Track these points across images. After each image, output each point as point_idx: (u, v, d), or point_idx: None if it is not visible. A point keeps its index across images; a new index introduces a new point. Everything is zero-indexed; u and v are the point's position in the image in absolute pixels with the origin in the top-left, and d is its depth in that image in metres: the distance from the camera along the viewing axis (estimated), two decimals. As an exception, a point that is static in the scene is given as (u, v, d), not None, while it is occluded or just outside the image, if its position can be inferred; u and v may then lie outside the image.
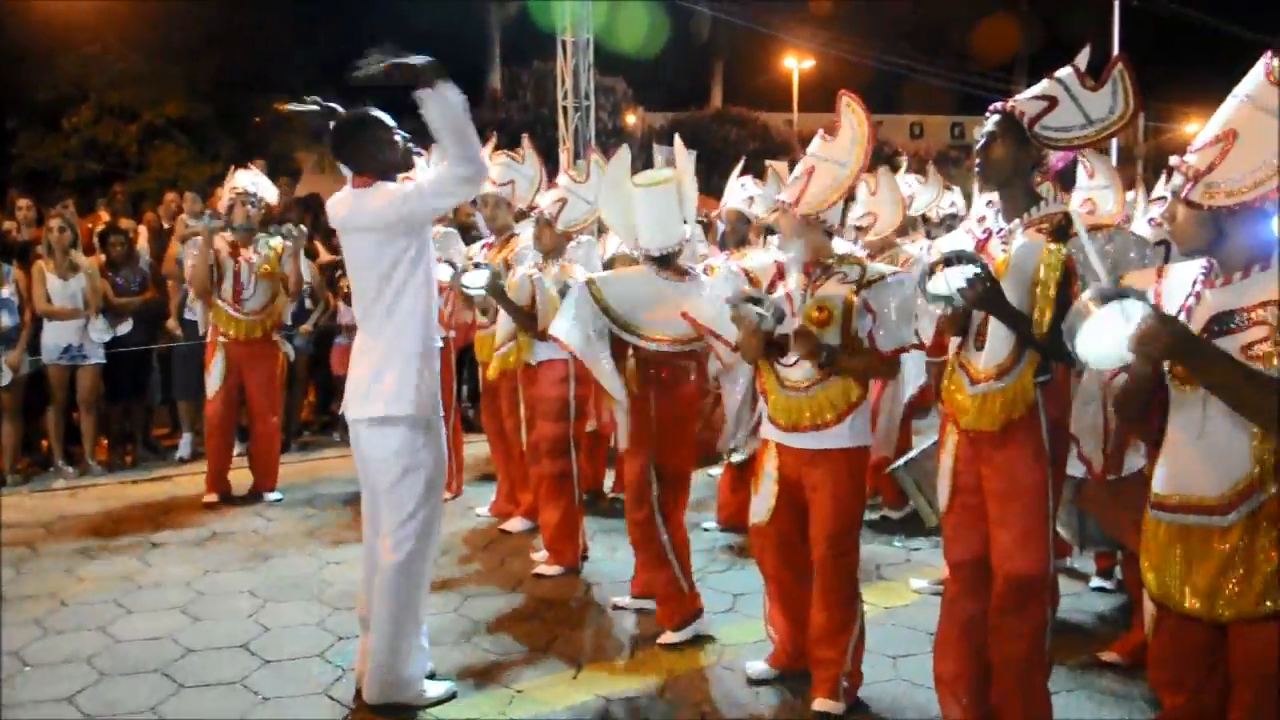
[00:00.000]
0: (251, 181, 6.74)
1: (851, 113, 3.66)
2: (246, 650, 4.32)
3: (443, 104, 3.40)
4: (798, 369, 3.62)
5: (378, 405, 3.68)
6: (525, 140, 6.00)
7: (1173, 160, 2.55)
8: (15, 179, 15.60)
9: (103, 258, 7.65)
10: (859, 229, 5.98)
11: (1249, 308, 2.29)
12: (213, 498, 6.59)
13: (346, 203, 3.71)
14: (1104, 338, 2.26)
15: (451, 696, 3.85)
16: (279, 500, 6.69)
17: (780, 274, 3.80)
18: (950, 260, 3.03)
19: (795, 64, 29.77)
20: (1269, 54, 2.34)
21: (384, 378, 3.66)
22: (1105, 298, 2.24)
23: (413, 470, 3.71)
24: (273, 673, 4.11)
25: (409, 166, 3.79)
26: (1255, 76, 2.36)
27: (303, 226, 7.09)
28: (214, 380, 6.57)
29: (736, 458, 5.33)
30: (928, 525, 4.38)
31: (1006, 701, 3.24)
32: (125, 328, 7.54)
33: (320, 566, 5.36)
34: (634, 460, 4.27)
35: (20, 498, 6.86)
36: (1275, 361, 2.21)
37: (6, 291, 7.09)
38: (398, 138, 3.75)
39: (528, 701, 3.84)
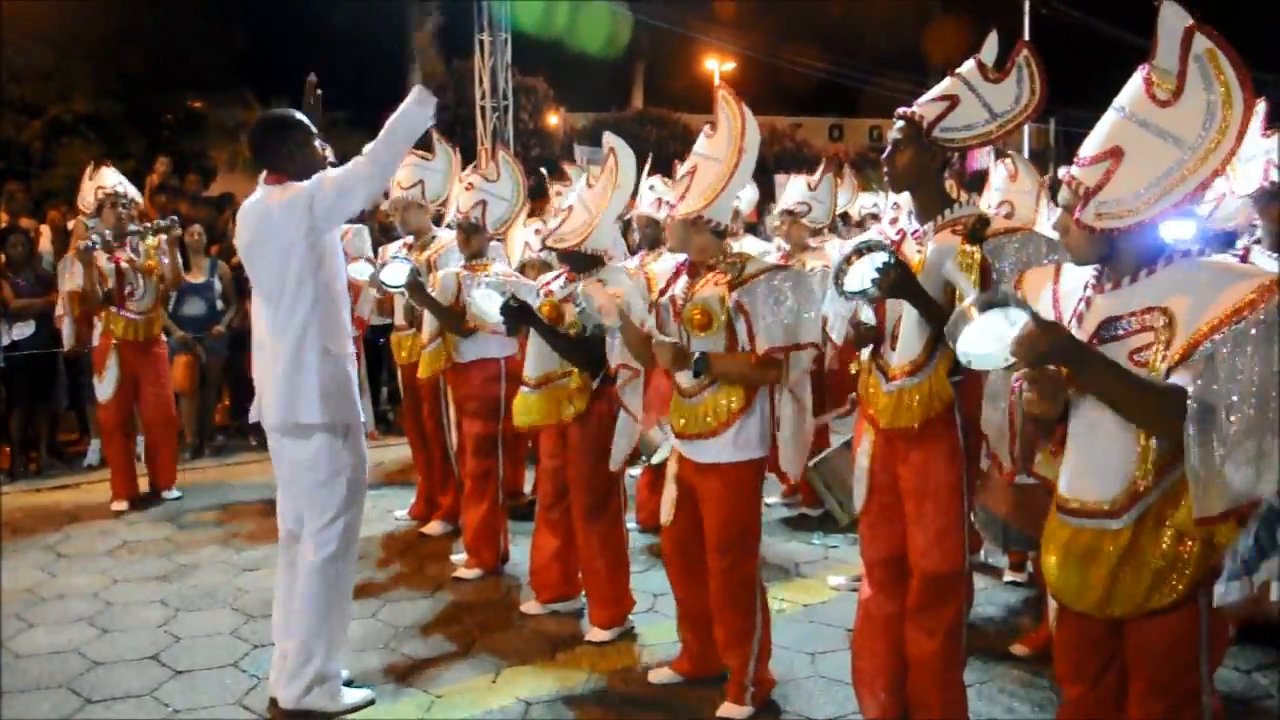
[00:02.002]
0: (118, 181, 6.57)
1: (727, 107, 3.58)
2: (157, 661, 4.21)
3: (419, 105, 3.52)
4: (687, 375, 3.59)
5: (292, 412, 3.64)
6: (434, 134, 5.95)
7: (1062, 173, 2.58)
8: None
9: (2, 258, 7.40)
10: (790, 219, 6.04)
11: (1135, 313, 2.32)
12: (122, 505, 6.43)
13: (256, 206, 3.66)
14: (986, 340, 2.29)
15: (370, 702, 3.80)
16: (179, 498, 6.62)
17: (676, 276, 3.77)
18: (861, 251, 3.07)
19: (716, 65, 29.97)
20: (1145, 66, 2.34)
21: (295, 384, 3.62)
22: (987, 305, 2.28)
23: (335, 474, 3.68)
24: (185, 684, 4.01)
25: (322, 169, 3.72)
26: (1135, 90, 2.35)
27: (174, 217, 6.93)
28: (107, 385, 6.45)
29: (655, 458, 5.34)
30: (840, 524, 4.44)
31: (923, 696, 3.28)
32: (25, 330, 7.31)
33: (234, 574, 5.25)
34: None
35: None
36: (1160, 366, 2.24)
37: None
38: (317, 143, 3.73)
39: (447, 706, 3.80)
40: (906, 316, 3.13)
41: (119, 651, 4.32)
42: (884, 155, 3.23)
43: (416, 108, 3.53)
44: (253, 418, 3.90)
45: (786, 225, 6.20)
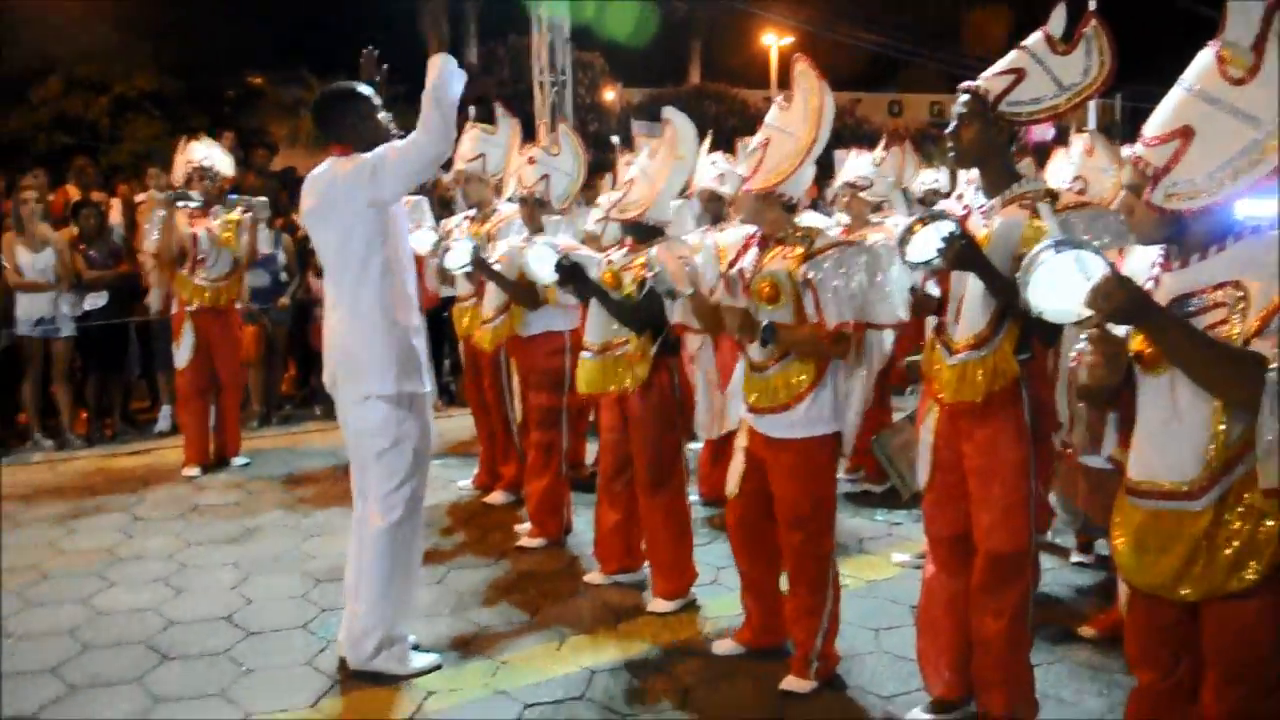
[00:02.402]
0: (205, 154, 6.71)
1: (806, 80, 3.55)
2: (230, 622, 4.32)
3: (434, 73, 3.51)
4: (756, 347, 3.59)
5: (359, 384, 3.70)
6: (499, 107, 5.98)
7: (1126, 153, 2.52)
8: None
9: (75, 231, 7.57)
10: (851, 193, 5.99)
11: (1207, 290, 2.27)
12: (193, 470, 6.59)
13: (321, 178, 3.71)
14: (1058, 290, 2.26)
15: (436, 667, 3.87)
16: (247, 464, 6.77)
17: (745, 249, 3.77)
18: (925, 221, 3.04)
19: (774, 40, 29.69)
20: (1215, 42, 2.28)
21: (361, 356, 3.69)
22: (1061, 246, 2.24)
23: (400, 442, 3.73)
24: (256, 644, 4.11)
25: (388, 143, 3.75)
26: (1204, 67, 2.29)
27: (264, 198, 7.07)
28: (184, 352, 6.59)
29: (715, 431, 5.36)
30: (904, 498, 4.42)
31: (989, 676, 3.27)
32: (99, 301, 7.48)
33: (302, 539, 5.35)
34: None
35: (-3, 471, 6.81)
36: (1237, 340, 2.19)
37: (-26, 264, 7.02)
38: (381, 115, 3.77)
39: (513, 672, 3.86)
40: (971, 289, 3.10)
41: (194, 611, 4.43)
42: (948, 130, 3.19)
43: (442, 72, 3.53)
44: (326, 385, 3.96)
45: (848, 199, 6.16)
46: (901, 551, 4.99)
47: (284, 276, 7.96)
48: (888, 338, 3.67)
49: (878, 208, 6.26)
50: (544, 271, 4.54)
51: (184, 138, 6.97)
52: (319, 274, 7.47)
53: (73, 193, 8.87)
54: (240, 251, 6.75)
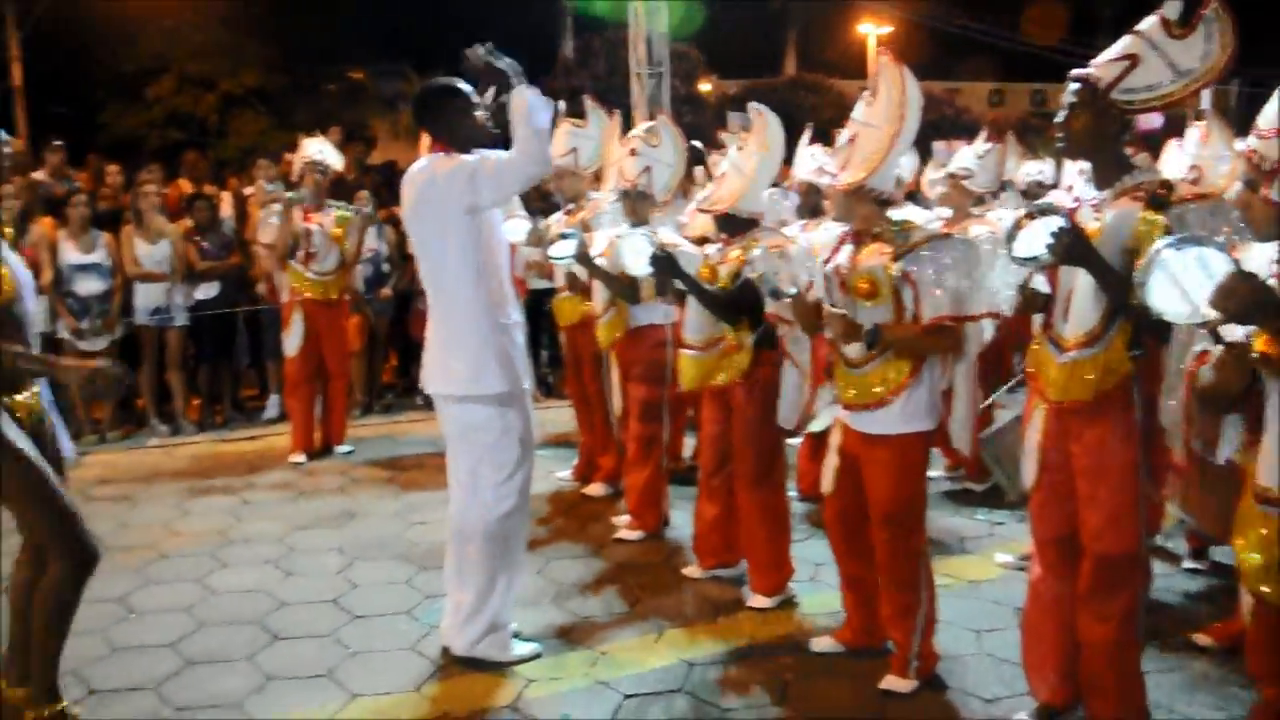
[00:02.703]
0: (319, 150, 6.90)
1: (888, 72, 3.50)
2: (336, 605, 4.43)
3: (521, 104, 3.58)
4: (855, 346, 3.56)
5: (457, 385, 3.75)
6: (587, 100, 6.01)
7: (1239, 145, 2.42)
8: (102, 147, 16.08)
9: (189, 223, 7.84)
10: (953, 185, 5.89)
11: None
12: (300, 457, 6.78)
13: (421, 174, 3.75)
14: (1179, 289, 2.19)
15: (537, 656, 3.92)
16: (350, 452, 6.94)
17: (839, 245, 3.72)
18: (1034, 215, 2.96)
19: (872, 30, 29.27)
20: None
21: (459, 357, 3.73)
22: (1182, 243, 2.17)
23: (505, 434, 3.79)
24: (362, 627, 4.22)
25: (485, 141, 3.80)
26: None
27: (369, 210, 7.34)
28: (293, 341, 6.78)
29: (815, 426, 5.31)
30: (1011, 499, 4.34)
31: (1097, 682, 3.18)
32: (211, 291, 7.73)
33: (405, 527, 5.47)
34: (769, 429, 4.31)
35: (118, 454, 7.10)
36: None
37: (97, 256, 7.30)
38: (479, 112, 3.80)
39: (612, 663, 3.89)
40: (1082, 285, 3.01)
41: (301, 594, 4.56)
42: (1057, 120, 3.11)
43: (527, 105, 3.58)
44: (422, 386, 4.00)
45: (949, 192, 6.06)
46: (1004, 552, 4.90)
47: (386, 268, 8.13)
48: (986, 327, 3.62)
49: (980, 200, 6.15)
50: (638, 264, 4.55)
51: (300, 135, 7.19)
52: None
53: (185, 187, 9.17)
54: (349, 248, 6.93)
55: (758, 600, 4.36)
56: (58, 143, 8.94)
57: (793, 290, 3.67)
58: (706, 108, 21.47)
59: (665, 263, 4.32)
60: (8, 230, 3.28)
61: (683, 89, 17.41)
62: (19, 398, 3.14)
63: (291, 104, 24.26)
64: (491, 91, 3.80)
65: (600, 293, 5.40)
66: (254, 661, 3.92)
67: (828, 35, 30.57)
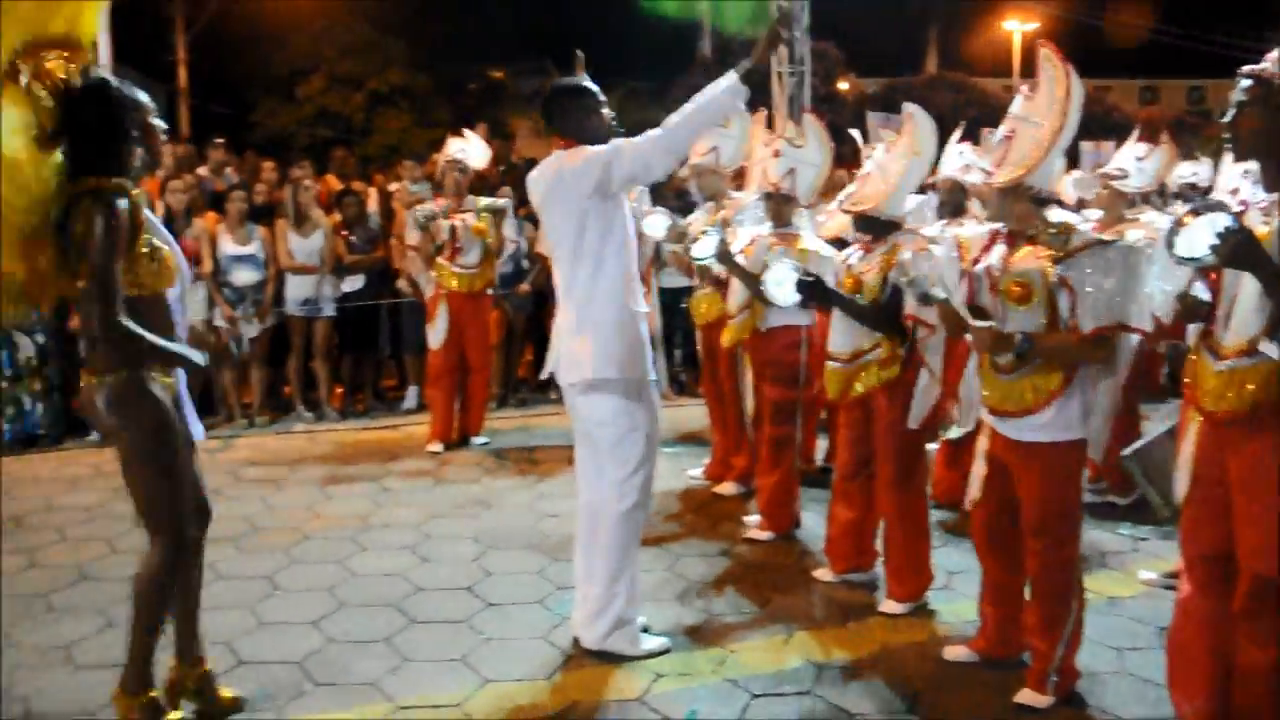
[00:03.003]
0: (460, 149, 7.10)
1: (1050, 66, 3.39)
2: (471, 592, 4.53)
3: (718, 91, 3.59)
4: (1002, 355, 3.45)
5: (584, 370, 3.78)
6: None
7: None
8: (255, 144, 16.89)
9: (338, 217, 8.13)
10: (1106, 187, 5.69)
11: None
12: (437, 447, 6.96)
13: (549, 168, 3.81)
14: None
15: (666, 650, 3.93)
16: (487, 444, 7.09)
17: (990, 245, 3.63)
18: (1198, 212, 2.83)
19: (1017, 26, 28.47)
20: None
21: (587, 344, 3.76)
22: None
23: (632, 429, 3.81)
24: (496, 615, 4.30)
25: (608, 141, 3.81)
26: None
27: (507, 201, 7.48)
28: (437, 333, 6.97)
29: (952, 433, 5.22)
30: (1158, 517, 4.17)
31: (1252, 710, 3.02)
32: (357, 284, 8.01)
33: (538, 518, 5.56)
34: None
35: (266, 438, 7.42)
36: None
37: (252, 248, 7.64)
38: (605, 111, 3.85)
39: (741, 662, 3.88)
40: (1246, 289, 2.85)
41: (437, 580, 4.68)
42: (1226, 119, 2.96)
43: (728, 96, 3.60)
44: (545, 373, 4.06)
45: (1101, 194, 5.85)
46: (1148, 569, 4.71)
47: (525, 264, 8.28)
48: (1133, 339, 3.48)
49: (1132, 203, 5.92)
50: (785, 295, 4.48)
51: (441, 132, 7.42)
52: None
53: (332, 182, 9.51)
54: (492, 240, 7.10)
55: (892, 606, 4.30)
56: (219, 140, 9.41)
57: (942, 294, 3.59)
58: (845, 107, 21.20)
59: (813, 289, 4.27)
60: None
61: (821, 88, 17.23)
62: (168, 378, 3.28)
63: (433, 102, 24.94)
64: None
65: (737, 292, 5.38)
66: (391, 643, 4.04)
67: (970, 32, 29.83)
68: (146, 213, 3.22)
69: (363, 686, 3.69)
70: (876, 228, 4.29)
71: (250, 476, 6.40)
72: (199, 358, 3.24)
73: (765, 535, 5.16)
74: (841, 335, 4.38)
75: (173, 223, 7.40)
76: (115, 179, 3.13)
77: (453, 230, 6.91)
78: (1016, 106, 3.52)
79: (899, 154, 4.24)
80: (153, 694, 3.31)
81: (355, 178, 10.07)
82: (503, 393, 8.39)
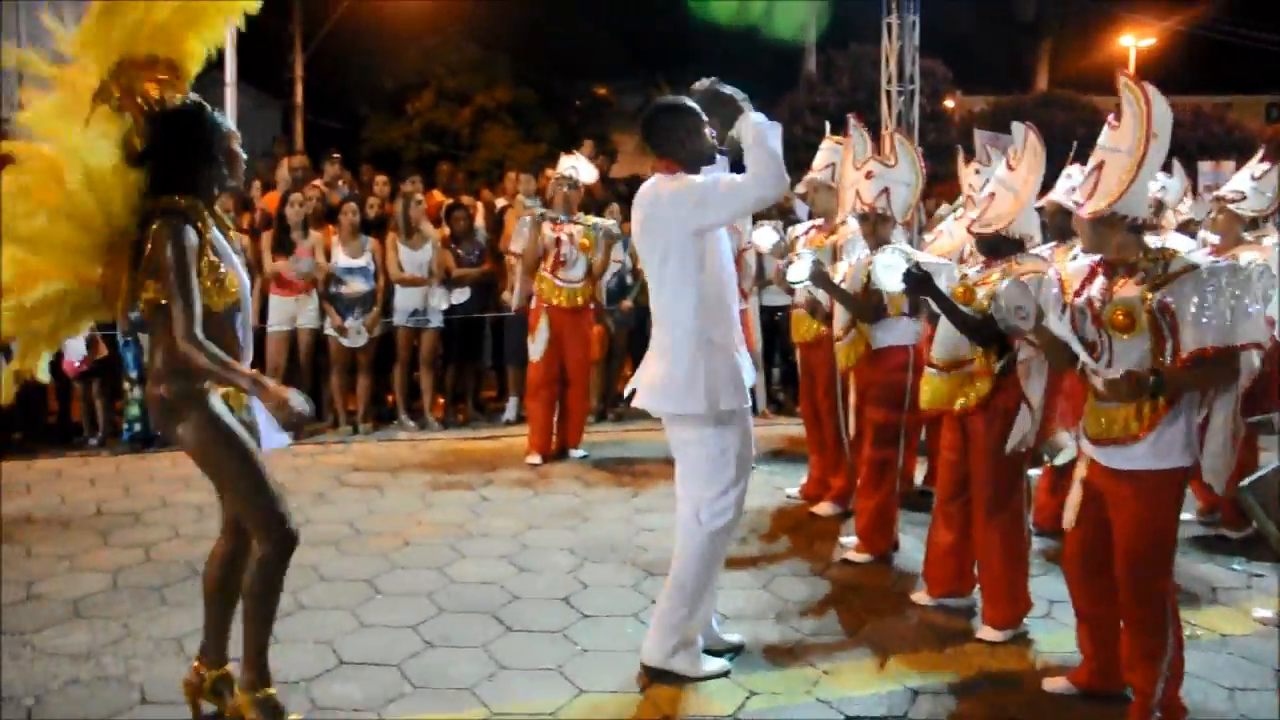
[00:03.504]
0: (571, 166, 7.21)
1: (1129, 92, 3.35)
2: (567, 604, 4.58)
3: (751, 129, 3.61)
4: (1103, 379, 3.35)
5: (670, 402, 3.77)
6: (852, 120, 5.96)
7: None
8: (364, 158, 17.37)
9: (446, 231, 8.31)
10: (1222, 209, 5.52)
11: None
12: (536, 458, 7.06)
13: (648, 190, 3.80)
14: None
15: (726, 673, 3.90)
16: (585, 457, 7.15)
17: (1091, 276, 3.56)
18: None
19: (1133, 42, 27.68)
20: None
21: (673, 374, 3.73)
22: None
23: (722, 452, 3.78)
24: (591, 627, 4.34)
25: (711, 161, 3.82)
26: None
27: (613, 226, 7.49)
28: (538, 345, 7.07)
29: (1059, 460, 5.10)
30: (1277, 553, 4.02)
31: None
32: (463, 296, 8.17)
33: (634, 532, 5.60)
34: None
35: (370, 445, 7.61)
36: None
37: (363, 260, 7.85)
38: (707, 130, 3.81)
39: (834, 683, 3.86)
40: None
41: (534, 589, 4.75)
42: None
43: (748, 124, 3.61)
44: (628, 390, 4.00)
45: (1218, 216, 5.67)
46: (1264, 607, 4.54)
47: (629, 280, 8.35)
48: (1254, 356, 3.37)
49: (1253, 224, 5.73)
50: (892, 280, 4.48)
51: (545, 148, 7.56)
52: None
53: (438, 197, 9.73)
54: (597, 259, 7.21)
55: (989, 633, 4.22)
56: (336, 155, 9.71)
57: (1025, 325, 3.52)
58: (951, 125, 20.88)
59: (920, 281, 4.22)
60: (231, 230, 3.49)
61: (928, 106, 17.02)
62: (231, 389, 3.32)
63: (539, 118, 25.31)
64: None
65: (840, 314, 5.36)
66: (488, 650, 4.11)
67: (1084, 48, 29.06)
68: (215, 233, 3.31)
69: (460, 692, 3.77)
70: (1002, 247, 4.23)
71: (354, 481, 6.58)
72: (267, 387, 3.15)
73: (863, 557, 5.11)
74: (943, 343, 4.33)
75: (290, 234, 7.69)
76: (189, 198, 3.23)
77: (558, 242, 7.02)
78: (1104, 138, 3.49)
79: (1025, 172, 4.16)
80: (273, 692, 3.44)
81: (462, 192, 10.28)
82: (602, 407, 8.47)
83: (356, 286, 7.79)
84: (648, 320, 8.25)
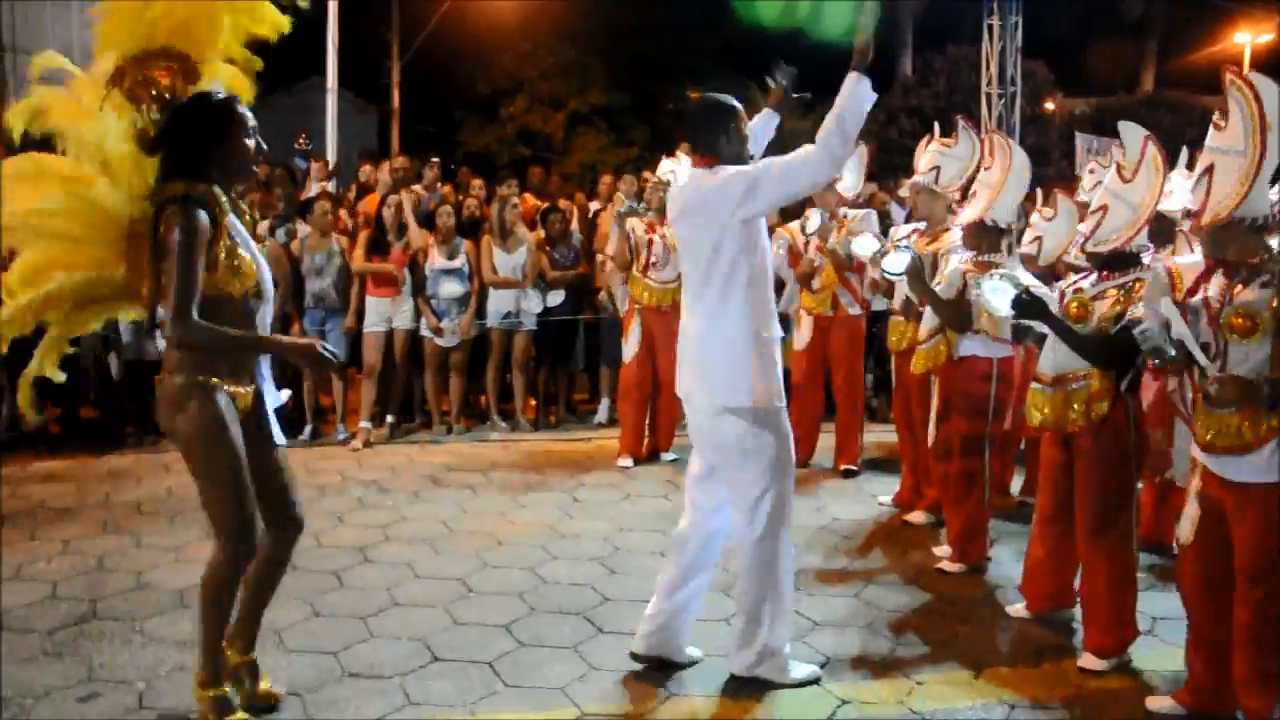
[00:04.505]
0: (670, 169, 7.19)
1: (1237, 91, 3.22)
2: (657, 607, 4.59)
3: (850, 87, 3.53)
4: (1214, 383, 3.24)
5: (718, 396, 3.71)
6: (960, 121, 5.86)
7: None
8: (457, 162, 17.66)
9: (541, 234, 8.40)
10: None
11: None
12: (627, 461, 7.07)
13: (688, 185, 3.77)
14: None
15: (816, 680, 3.86)
16: (675, 460, 7.12)
17: (1206, 276, 3.43)
18: None
19: (1248, 39, 26.64)
20: None
21: (723, 368, 3.68)
22: None
23: (756, 454, 3.71)
24: (681, 630, 4.34)
25: (743, 164, 3.76)
26: None
27: None
28: (631, 346, 7.09)
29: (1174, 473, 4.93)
30: None
31: None
32: (557, 298, 8.24)
33: (725, 537, 5.56)
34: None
35: (462, 445, 7.72)
36: None
37: (458, 262, 7.97)
38: (746, 132, 3.80)
39: (928, 695, 3.80)
40: None
41: (624, 592, 4.75)
42: None
43: (862, 96, 3.52)
44: (679, 392, 3.91)
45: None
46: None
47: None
48: None
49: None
50: (1001, 304, 4.32)
51: (637, 151, 7.58)
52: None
53: (530, 200, 9.82)
54: None
55: (1091, 661, 4.03)
56: (435, 159, 9.89)
57: (1173, 351, 3.39)
58: (1051, 128, 20.41)
59: (1032, 306, 4.05)
60: (247, 220, 3.49)
61: (1028, 108, 16.69)
62: (240, 389, 3.36)
63: (630, 122, 25.43)
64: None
65: (926, 319, 5.27)
66: (579, 651, 4.14)
67: (1193, 45, 28.10)
68: (231, 219, 3.34)
69: (551, 691, 3.80)
70: (1116, 262, 4.07)
71: (448, 481, 6.68)
72: (283, 344, 3.33)
73: (957, 568, 5.02)
74: (1050, 358, 4.17)
75: (387, 235, 7.84)
76: (203, 184, 3.26)
77: (649, 243, 7.04)
78: (1211, 139, 3.37)
79: (1144, 189, 3.99)
80: (224, 690, 3.43)
81: (556, 195, 10.37)
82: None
83: (452, 288, 7.91)
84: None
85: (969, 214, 5.08)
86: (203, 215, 3.18)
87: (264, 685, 3.63)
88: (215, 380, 3.27)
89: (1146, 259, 4.10)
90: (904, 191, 6.29)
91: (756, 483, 3.73)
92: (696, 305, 3.77)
